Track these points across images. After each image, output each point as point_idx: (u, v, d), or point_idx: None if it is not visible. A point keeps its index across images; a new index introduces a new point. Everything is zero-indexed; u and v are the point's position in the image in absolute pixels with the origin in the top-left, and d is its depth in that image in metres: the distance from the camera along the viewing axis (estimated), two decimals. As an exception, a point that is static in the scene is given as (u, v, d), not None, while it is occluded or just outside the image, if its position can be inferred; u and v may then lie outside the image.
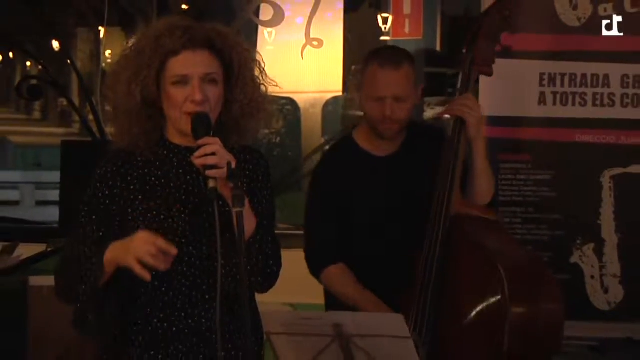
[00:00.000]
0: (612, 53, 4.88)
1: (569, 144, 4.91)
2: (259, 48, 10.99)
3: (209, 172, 3.03)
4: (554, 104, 4.91)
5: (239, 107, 3.27)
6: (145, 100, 3.18)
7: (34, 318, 3.69)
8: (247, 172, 3.32)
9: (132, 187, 3.22)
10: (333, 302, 4.12)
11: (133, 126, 3.21)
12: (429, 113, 10.57)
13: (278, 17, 5.59)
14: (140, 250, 2.98)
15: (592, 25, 4.86)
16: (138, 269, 2.98)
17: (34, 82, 7.16)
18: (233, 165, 3.04)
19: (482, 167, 4.15)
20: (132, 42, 3.30)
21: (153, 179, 3.24)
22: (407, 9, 13.28)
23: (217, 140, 3.09)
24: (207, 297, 3.23)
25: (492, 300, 3.89)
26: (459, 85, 4.27)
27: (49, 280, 3.94)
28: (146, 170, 3.24)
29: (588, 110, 4.88)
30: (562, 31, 4.89)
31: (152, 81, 3.18)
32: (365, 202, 4.18)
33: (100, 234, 3.18)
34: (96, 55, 19.78)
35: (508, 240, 4.29)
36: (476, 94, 4.37)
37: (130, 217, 3.20)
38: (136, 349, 3.25)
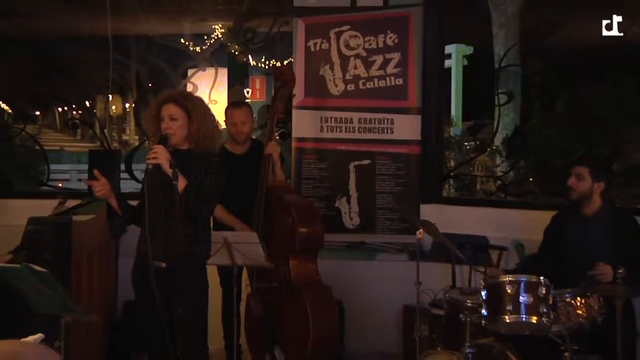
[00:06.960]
0: (353, 108, 4.90)
1: (334, 150, 4.93)
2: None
3: (149, 162, 2.98)
4: (327, 131, 4.91)
5: (195, 132, 3.14)
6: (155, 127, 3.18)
7: (75, 235, 3.53)
8: (200, 163, 3.13)
9: None
10: (219, 227, 4.02)
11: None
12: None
13: (195, 89, 5.56)
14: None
15: (346, 94, 4.89)
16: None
17: (76, 121, 7.02)
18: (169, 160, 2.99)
19: (278, 167, 4.11)
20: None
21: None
22: (258, 85, 13.43)
23: (161, 147, 3.02)
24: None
25: (289, 224, 3.92)
26: (267, 124, 4.22)
27: (82, 218, 3.78)
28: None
29: (342, 134, 4.90)
30: (330, 97, 4.91)
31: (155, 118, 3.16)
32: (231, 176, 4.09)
33: None
34: (107, 108, 19.17)
35: (296, 195, 4.32)
36: (288, 127, 4.38)
37: None
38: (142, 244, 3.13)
